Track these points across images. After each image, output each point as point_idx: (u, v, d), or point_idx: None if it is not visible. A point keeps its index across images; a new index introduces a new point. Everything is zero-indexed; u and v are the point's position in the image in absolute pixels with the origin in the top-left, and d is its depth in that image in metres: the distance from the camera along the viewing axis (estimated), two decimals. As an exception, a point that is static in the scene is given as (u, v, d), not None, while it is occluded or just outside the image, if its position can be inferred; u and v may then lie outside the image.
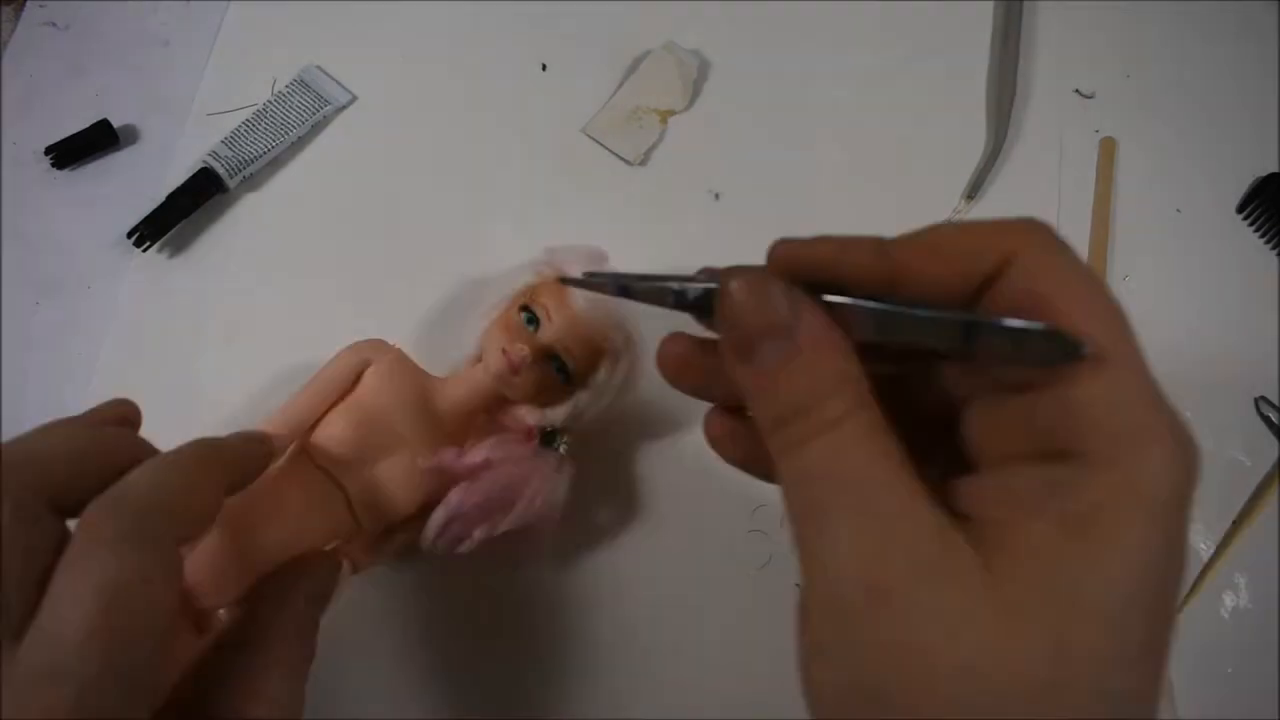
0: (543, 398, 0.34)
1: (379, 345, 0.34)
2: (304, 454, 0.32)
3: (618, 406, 0.35)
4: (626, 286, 0.23)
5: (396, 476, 0.32)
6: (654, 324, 0.26)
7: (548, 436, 0.34)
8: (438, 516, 0.32)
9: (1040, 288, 0.17)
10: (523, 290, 0.34)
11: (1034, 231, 0.18)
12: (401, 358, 0.34)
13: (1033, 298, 0.17)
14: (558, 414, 0.34)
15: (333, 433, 0.32)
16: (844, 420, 0.18)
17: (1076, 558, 0.16)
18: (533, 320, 0.33)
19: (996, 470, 0.18)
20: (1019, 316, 0.17)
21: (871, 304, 0.19)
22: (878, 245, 0.19)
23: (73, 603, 0.19)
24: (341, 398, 0.33)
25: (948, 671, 0.16)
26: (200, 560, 0.28)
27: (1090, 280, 0.18)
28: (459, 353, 0.35)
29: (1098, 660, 0.16)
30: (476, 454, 0.32)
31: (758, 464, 0.22)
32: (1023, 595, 0.16)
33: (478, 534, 0.33)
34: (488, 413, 0.35)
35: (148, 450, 0.24)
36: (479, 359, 0.34)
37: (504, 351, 0.32)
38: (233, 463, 0.25)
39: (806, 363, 0.18)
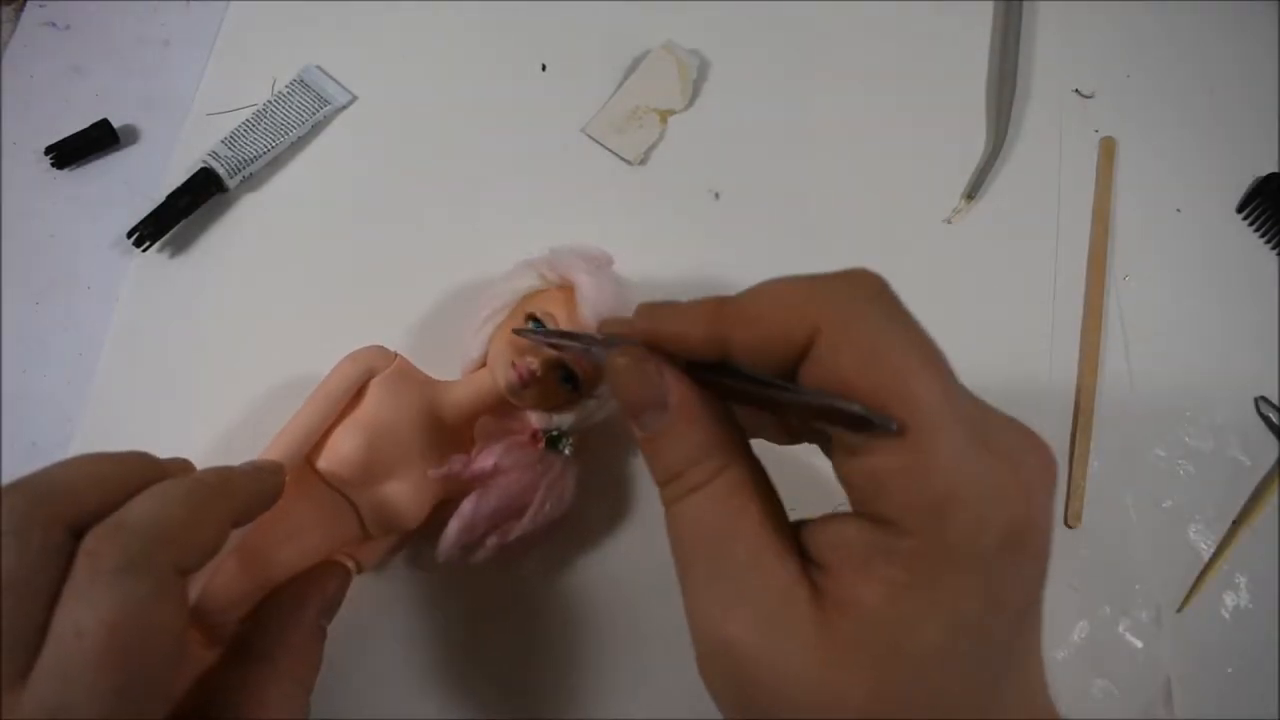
0: (549, 403, 0.34)
1: (380, 354, 0.33)
2: (312, 471, 0.31)
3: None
4: (554, 345, 0.28)
5: (406, 490, 0.32)
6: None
7: (553, 439, 0.34)
8: (452, 529, 0.32)
9: (841, 363, 0.18)
10: (529, 298, 0.34)
11: (841, 297, 0.19)
12: (403, 367, 0.33)
13: (835, 375, 0.18)
14: (564, 419, 0.34)
15: (341, 453, 0.31)
16: (706, 484, 0.20)
17: (896, 619, 0.18)
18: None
19: (840, 522, 0.20)
20: (827, 390, 0.18)
21: (712, 376, 0.21)
22: (713, 314, 0.20)
23: (78, 637, 0.19)
24: (346, 411, 0.32)
25: (784, 712, 0.19)
26: (211, 580, 0.28)
27: (896, 343, 0.18)
28: (460, 354, 0.35)
29: (913, 705, 0.18)
30: (485, 460, 0.32)
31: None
32: (847, 650, 0.18)
33: (490, 542, 0.32)
34: (492, 414, 0.35)
35: (174, 473, 0.24)
36: (482, 363, 0.34)
37: (513, 365, 0.32)
38: (240, 497, 0.25)
39: (677, 433, 0.21)
